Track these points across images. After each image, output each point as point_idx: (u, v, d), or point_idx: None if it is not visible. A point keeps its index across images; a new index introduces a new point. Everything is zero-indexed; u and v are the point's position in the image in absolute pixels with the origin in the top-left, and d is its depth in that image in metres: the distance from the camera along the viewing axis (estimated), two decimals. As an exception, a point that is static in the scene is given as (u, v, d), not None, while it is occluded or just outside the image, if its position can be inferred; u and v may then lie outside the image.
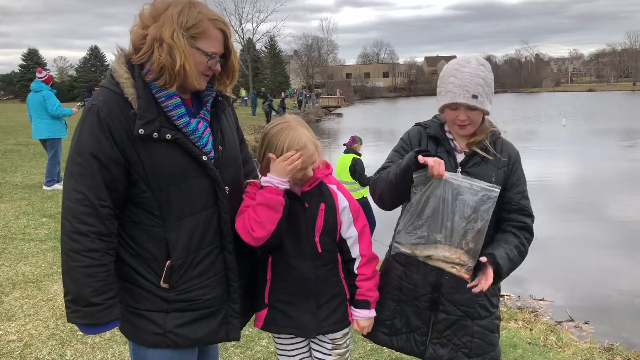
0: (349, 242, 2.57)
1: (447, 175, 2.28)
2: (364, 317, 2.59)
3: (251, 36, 64.30)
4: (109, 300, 2.10)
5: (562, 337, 5.69)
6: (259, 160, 2.54)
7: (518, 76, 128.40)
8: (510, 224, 2.54)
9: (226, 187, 2.27)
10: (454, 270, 2.31)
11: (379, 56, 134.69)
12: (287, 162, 2.31)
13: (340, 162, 9.38)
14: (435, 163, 2.25)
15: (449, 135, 2.62)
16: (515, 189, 2.56)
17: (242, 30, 61.70)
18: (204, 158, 2.18)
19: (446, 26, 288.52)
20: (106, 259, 2.11)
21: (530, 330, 5.91)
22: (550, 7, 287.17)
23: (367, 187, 9.47)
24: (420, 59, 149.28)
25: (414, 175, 2.32)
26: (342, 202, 2.55)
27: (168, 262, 2.18)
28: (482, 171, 2.52)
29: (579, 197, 15.45)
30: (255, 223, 2.29)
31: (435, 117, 2.73)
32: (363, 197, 9.24)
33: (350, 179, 9.15)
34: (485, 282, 2.31)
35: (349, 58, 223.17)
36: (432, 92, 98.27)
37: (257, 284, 2.56)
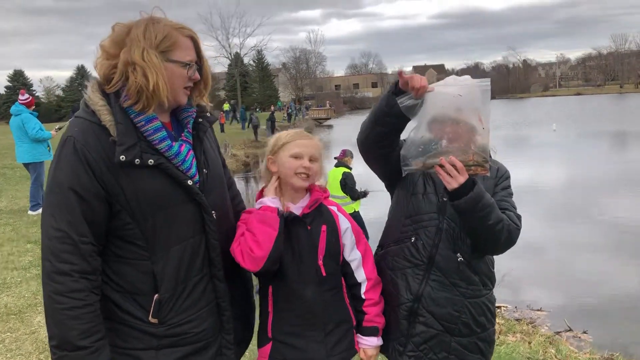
0: (353, 265, 2.47)
1: (432, 86, 2.22)
2: (371, 345, 2.47)
3: (238, 50, 64.32)
4: (97, 342, 1.98)
5: (561, 350, 5.58)
6: (264, 172, 2.49)
7: (506, 82, 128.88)
8: None
9: (213, 212, 2.18)
10: (470, 172, 2.25)
11: (368, 67, 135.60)
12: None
13: (330, 176, 9.24)
14: (414, 77, 2.22)
15: None
16: (500, 192, 2.50)
17: (229, 45, 61.86)
18: (189, 182, 2.10)
19: (432, 35, 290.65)
20: (91, 298, 1.99)
21: (529, 343, 5.79)
22: (535, 13, 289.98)
23: (359, 201, 9.38)
24: (408, 69, 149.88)
25: (400, 103, 2.28)
26: (344, 223, 2.47)
27: (156, 296, 2.07)
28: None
29: (572, 202, 15.37)
30: (253, 242, 2.23)
31: None
32: (355, 211, 9.13)
33: (340, 193, 9.04)
34: (452, 178, 2.23)
35: (338, 69, 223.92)
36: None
37: (260, 318, 2.45)
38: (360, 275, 2.48)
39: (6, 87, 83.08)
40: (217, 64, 78.15)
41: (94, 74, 2.16)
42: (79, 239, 1.97)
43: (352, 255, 2.47)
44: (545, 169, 21.04)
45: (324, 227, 2.39)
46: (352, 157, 9.43)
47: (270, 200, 2.35)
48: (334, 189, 9.01)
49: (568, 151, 26.01)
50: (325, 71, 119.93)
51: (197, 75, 2.17)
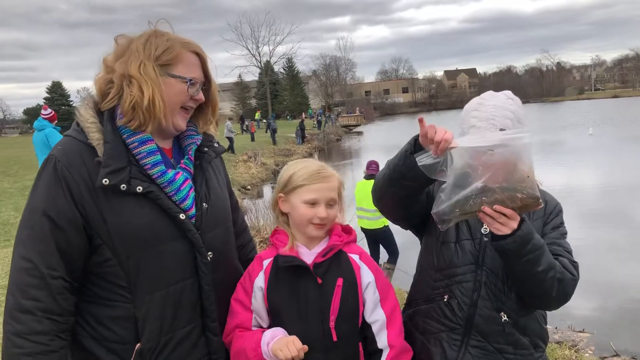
0: (374, 328, 2.05)
1: (457, 142, 1.80)
2: None
3: (269, 59, 64.46)
4: None
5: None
6: (273, 205, 2.15)
7: (540, 86, 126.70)
8: None
9: (209, 253, 1.90)
10: (519, 209, 1.83)
11: (398, 72, 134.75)
12: (287, 349, 1.86)
13: (360, 188, 8.89)
14: (436, 129, 1.79)
15: None
16: (550, 233, 2.11)
17: (259, 54, 61.98)
18: (182, 216, 1.84)
19: (463, 39, 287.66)
20: (56, 343, 1.71)
21: (573, 373, 5.29)
22: (568, 15, 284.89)
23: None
24: (439, 73, 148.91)
25: (419, 162, 1.84)
26: (367, 276, 2.07)
27: (137, 346, 1.79)
28: None
29: (614, 209, 14.61)
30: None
31: None
32: (385, 226, 8.76)
33: (372, 206, 8.62)
34: (501, 225, 1.84)
35: (368, 75, 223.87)
36: (453, 106, 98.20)
37: None
38: (382, 340, 2.05)
39: (45, 98, 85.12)
40: (248, 72, 78.88)
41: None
42: (48, 272, 1.71)
43: (375, 316, 2.05)
44: (583, 175, 20.23)
45: (339, 281, 2.00)
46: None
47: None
48: (366, 202, 8.66)
49: (606, 156, 25.01)
50: (355, 77, 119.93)
51: (201, 96, 1.94)
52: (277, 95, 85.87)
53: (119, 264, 1.79)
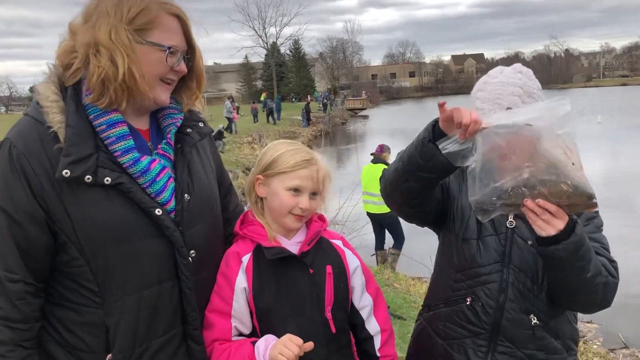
0: (363, 314, 1.95)
1: (489, 121, 1.59)
2: None
3: (275, 40, 64.00)
4: None
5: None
6: (249, 189, 1.95)
7: (548, 72, 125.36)
8: None
9: (191, 252, 1.68)
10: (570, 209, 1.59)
11: (405, 56, 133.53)
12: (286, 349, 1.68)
13: (367, 172, 8.77)
14: (461, 110, 1.58)
15: None
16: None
17: (266, 35, 61.49)
18: (158, 212, 1.61)
19: (472, 24, 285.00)
20: (18, 354, 1.52)
21: (582, 365, 5.17)
22: (578, 2, 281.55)
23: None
24: (447, 58, 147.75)
25: (443, 150, 1.64)
26: (353, 261, 1.95)
27: (109, 356, 1.59)
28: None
29: (622, 198, 14.39)
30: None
31: None
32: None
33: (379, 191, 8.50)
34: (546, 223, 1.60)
35: (375, 59, 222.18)
36: (459, 91, 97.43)
37: None
38: (372, 326, 1.96)
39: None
40: (254, 54, 78.20)
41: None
42: (6, 275, 1.52)
43: (363, 301, 1.96)
44: (592, 163, 19.98)
45: (329, 269, 1.87)
46: (389, 152, 8.95)
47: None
48: (372, 186, 8.56)
49: (615, 144, 24.76)
50: (361, 61, 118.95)
51: (183, 67, 1.69)
52: (283, 77, 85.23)
53: (86, 265, 1.58)
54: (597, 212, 1.93)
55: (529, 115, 1.59)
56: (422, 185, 1.83)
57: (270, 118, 38.73)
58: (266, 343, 1.75)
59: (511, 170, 1.57)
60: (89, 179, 1.52)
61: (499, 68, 2.01)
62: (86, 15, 1.61)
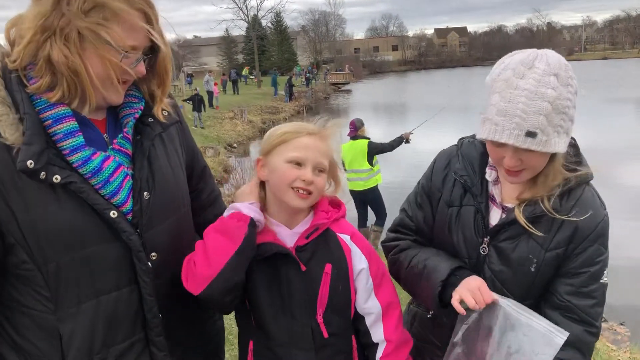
0: (367, 321, 1.78)
1: (499, 298, 1.57)
2: None
3: (256, 13, 62.89)
4: None
5: (599, 350, 5.01)
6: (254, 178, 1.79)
7: (530, 46, 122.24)
8: None
9: (152, 255, 1.55)
10: None
11: (388, 29, 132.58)
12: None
13: (349, 150, 8.56)
14: (475, 297, 1.56)
15: (490, 176, 1.76)
16: (570, 279, 1.66)
17: (247, 8, 60.32)
18: (113, 214, 1.47)
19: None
20: None
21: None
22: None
23: (380, 175, 8.80)
24: (430, 31, 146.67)
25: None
26: (359, 261, 1.76)
27: None
28: (517, 252, 1.68)
29: (599, 170, 14.50)
30: (201, 254, 1.58)
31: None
32: (375, 185, 8.63)
33: (365, 165, 8.45)
34: None
35: (357, 32, 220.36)
36: (442, 65, 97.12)
37: None
38: (377, 334, 1.78)
39: None
40: (235, 27, 77.03)
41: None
42: None
43: (368, 307, 1.77)
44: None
45: (327, 268, 1.69)
46: (363, 125, 8.76)
47: (247, 207, 1.64)
48: (357, 163, 8.47)
49: (594, 118, 24.90)
50: (344, 34, 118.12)
51: (142, 69, 1.53)
52: (265, 51, 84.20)
53: (37, 269, 1.45)
54: (601, 253, 1.67)
55: (528, 325, 1.56)
56: None
57: (235, 88, 40.02)
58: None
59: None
60: (43, 175, 1.39)
61: (529, 58, 1.56)
62: None
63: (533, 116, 1.49)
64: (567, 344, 1.55)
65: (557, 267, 1.67)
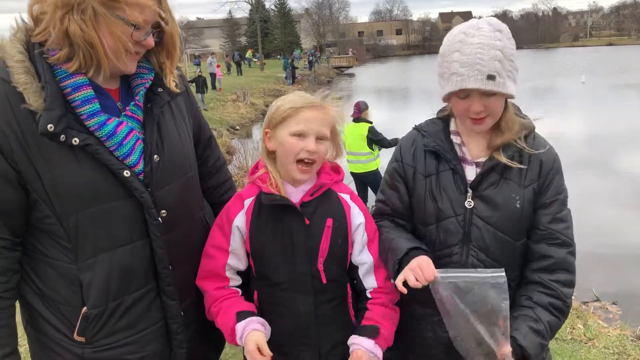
0: (360, 271, 1.97)
1: (437, 274, 1.76)
2: (366, 347, 1.87)
3: (260, -5, 62.68)
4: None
5: (589, 325, 5.17)
6: (262, 145, 1.98)
7: (535, 31, 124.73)
8: (536, 266, 1.92)
9: (162, 212, 1.72)
10: None
11: (392, 13, 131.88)
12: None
13: (350, 132, 8.67)
14: (415, 274, 1.74)
15: (456, 140, 1.99)
16: (547, 210, 1.92)
17: (251, -11, 60.01)
18: (126, 173, 1.63)
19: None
20: None
21: (555, 318, 5.39)
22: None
23: (379, 159, 8.88)
24: (434, 15, 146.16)
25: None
26: (357, 217, 1.96)
27: (84, 310, 1.65)
28: (501, 195, 1.89)
29: (598, 157, 14.61)
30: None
31: (438, 112, 2.10)
32: (377, 168, 8.71)
33: (365, 149, 8.55)
34: None
35: (361, 15, 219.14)
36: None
37: None
38: (369, 282, 1.97)
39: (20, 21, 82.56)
40: (238, 9, 76.54)
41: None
42: None
43: (361, 258, 1.96)
44: (571, 122, 20.17)
45: (329, 222, 1.88)
46: (367, 108, 8.85)
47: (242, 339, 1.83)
48: (357, 146, 8.56)
49: (597, 104, 24.92)
50: (348, 17, 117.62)
51: (150, 41, 1.68)
52: (268, 34, 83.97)
53: (58, 223, 1.63)
54: (562, 184, 1.96)
55: (471, 281, 1.75)
56: None
57: (239, 70, 40.92)
58: (243, 328, 1.82)
59: (456, 326, 1.80)
60: (63, 137, 1.54)
61: (473, 23, 1.87)
62: None
63: (490, 62, 1.76)
64: (557, 268, 1.88)
65: (535, 202, 1.91)
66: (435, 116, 2.11)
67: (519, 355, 1.76)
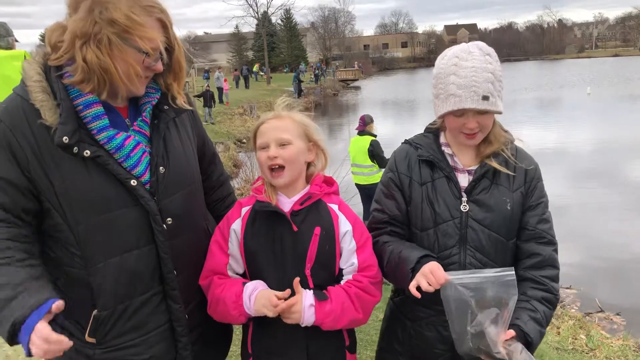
0: (345, 271, 2.07)
1: (449, 277, 1.88)
2: (305, 302, 1.91)
3: (266, 9, 63.21)
4: (22, 285, 1.61)
5: (592, 336, 5.22)
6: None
7: (540, 43, 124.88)
8: (526, 263, 2.08)
9: (168, 219, 1.85)
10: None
11: (397, 26, 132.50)
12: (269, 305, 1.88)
13: (354, 144, 8.84)
14: (428, 280, 1.86)
15: (448, 151, 2.15)
16: (533, 211, 2.10)
17: (257, 4, 60.64)
18: (133, 182, 1.77)
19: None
20: (4, 244, 1.67)
21: (558, 328, 5.45)
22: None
23: (381, 172, 8.99)
24: (439, 28, 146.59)
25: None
26: (344, 225, 2.06)
27: (94, 312, 1.78)
28: (493, 198, 2.06)
29: (604, 168, 14.63)
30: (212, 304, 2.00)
31: (427, 127, 2.27)
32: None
33: (368, 162, 8.66)
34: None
35: (367, 29, 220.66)
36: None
37: (242, 328, 2.13)
38: (348, 277, 2.04)
39: (37, 45, 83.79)
40: (245, 23, 77.10)
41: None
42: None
43: (349, 264, 2.05)
44: (576, 133, 20.21)
45: (317, 230, 2.00)
46: (372, 121, 8.96)
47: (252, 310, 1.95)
48: (360, 158, 8.70)
49: (602, 116, 24.95)
50: (354, 31, 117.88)
51: (159, 66, 1.83)
52: (274, 48, 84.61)
53: (69, 230, 1.75)
54: (542, 187, 2.15)
55: (483, 281, 1.86)
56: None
57: (246, 83, 42.04)
58: (254, 287, 1.94)
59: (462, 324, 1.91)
60: (76, 149, 1.68)
61: (465, 47, 2.04)
62: (75, 4, 1.71)
63: (484, 84, 1.95)
64: (545, 264, 2.06)
65: (523, 205, 2.10)
66: (423, 132, 2.27)
67: (523, 341, 1.89)
